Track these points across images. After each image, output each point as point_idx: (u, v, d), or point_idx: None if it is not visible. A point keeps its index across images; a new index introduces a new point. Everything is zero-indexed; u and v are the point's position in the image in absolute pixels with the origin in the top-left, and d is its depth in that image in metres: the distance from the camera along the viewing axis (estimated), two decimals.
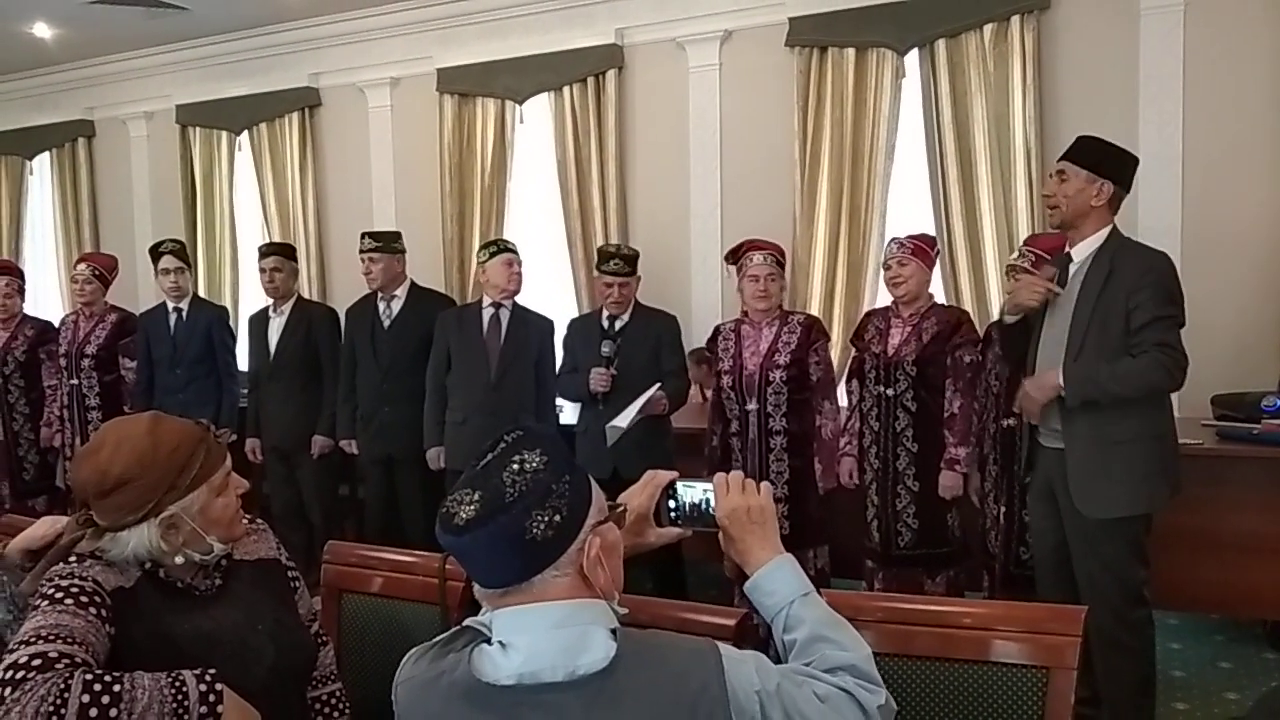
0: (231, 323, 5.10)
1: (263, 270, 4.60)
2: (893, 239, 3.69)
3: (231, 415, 4.67)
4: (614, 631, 1.18)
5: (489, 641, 1.20)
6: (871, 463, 3.64)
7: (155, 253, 4.81)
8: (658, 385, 3.73)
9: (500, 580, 1.18)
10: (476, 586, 1.23)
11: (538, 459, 1.17)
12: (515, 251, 4.11)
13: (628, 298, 3.96)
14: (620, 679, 1.14)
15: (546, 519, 1.14)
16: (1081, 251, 2.86)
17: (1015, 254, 3.58)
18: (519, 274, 4.09)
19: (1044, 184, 2.99)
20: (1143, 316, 2.70)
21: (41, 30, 5.99)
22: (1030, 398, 2.85)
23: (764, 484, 1.42)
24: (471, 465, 1.21)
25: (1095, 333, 2.76)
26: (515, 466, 1.16)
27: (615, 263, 3.91)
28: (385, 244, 4.33)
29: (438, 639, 1.26)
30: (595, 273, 4.04)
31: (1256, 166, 4.16)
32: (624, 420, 3.60)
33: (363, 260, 4.34)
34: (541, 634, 1.15)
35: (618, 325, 3.95)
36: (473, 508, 1.15)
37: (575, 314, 5.32)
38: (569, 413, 4.53)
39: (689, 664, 1.18)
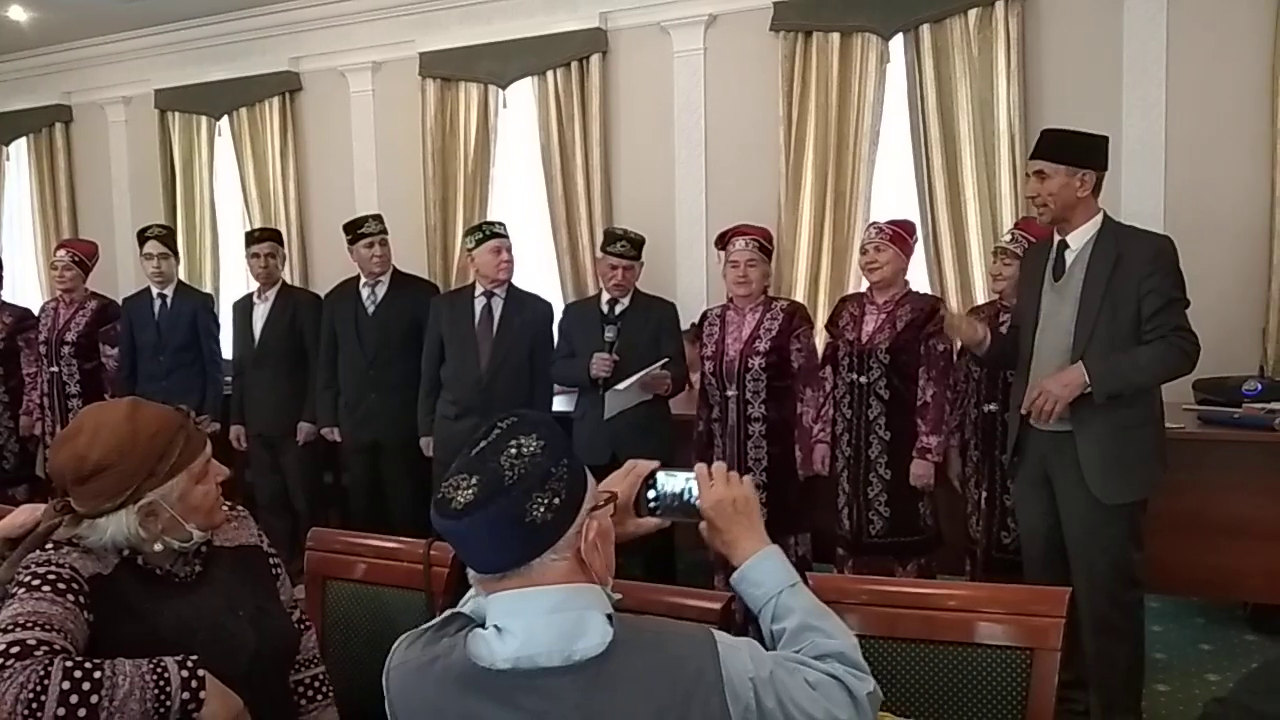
0: (214, 310, 5.05)
1: (256, 255, 4.55)
2: (871, 223, 3.69)
3: (215, 403, 4.64)
4: (609, 617, 1.18)
5: (483, 626, 1.20)
6: (843, 450, 3.63)
7: (141, 237, 4.77)
8: (664, 361, 3.69)
9: (499, 564, 1.17)
10: (471, 572, 1.22)
11: (535, 443, 1.18)
12: (504, 235, 4.02)
13: (630, 282, 3.90)
14: (617, 664, 1.15)
15: (546, 502, 1.15)
16: (1079, 239, 2.84)
17: (1007, 236, 3.58)
18: (508, 261, 4.00)
19: (1027, 186, 2.97)
20: (1157, 301, 2.70)
21: (16, 13, 5.90)
22: (1052, 395, 2.72)
23: (745, 477, 1.42)
24: (464, 453, 1.21)
25: (1106, 319, 2.75)
26: (513, 450, 1.17)
27: (622, 245, 3.86)
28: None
29: (430, 624, 1.25)
30: (599, 254, 3.98)
31: (1239, 152, 4.17)
32: (623, 385, 3.57)
33: (371, 244, 4.28)
34: (538, 618, 1.15)
35: (617, 310, 3.90)
36: (470, 492, 1.15)
37: (560, 299, 5.32)
38: (561, 400, 4.52)
39: (685, 650, 1.18)
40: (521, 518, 1.14)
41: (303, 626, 1.82)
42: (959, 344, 3.29)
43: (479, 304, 4.03)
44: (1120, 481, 2.78)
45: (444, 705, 1.16)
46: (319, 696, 1.79)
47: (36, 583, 1.43)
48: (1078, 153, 2.81)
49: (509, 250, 4.01)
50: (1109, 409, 2.74)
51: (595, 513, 1.23)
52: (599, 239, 5.08)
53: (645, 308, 3.94)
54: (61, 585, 1.44)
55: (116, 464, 1.49)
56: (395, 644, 1.26)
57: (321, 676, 1.81)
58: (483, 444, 1.20)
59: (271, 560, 1.77)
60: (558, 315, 4.19)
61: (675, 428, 4.00)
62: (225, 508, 1.69)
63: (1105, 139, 2.89)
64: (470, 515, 1.13)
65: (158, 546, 1.54)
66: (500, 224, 4.09)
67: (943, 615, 1.70)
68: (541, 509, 1.14)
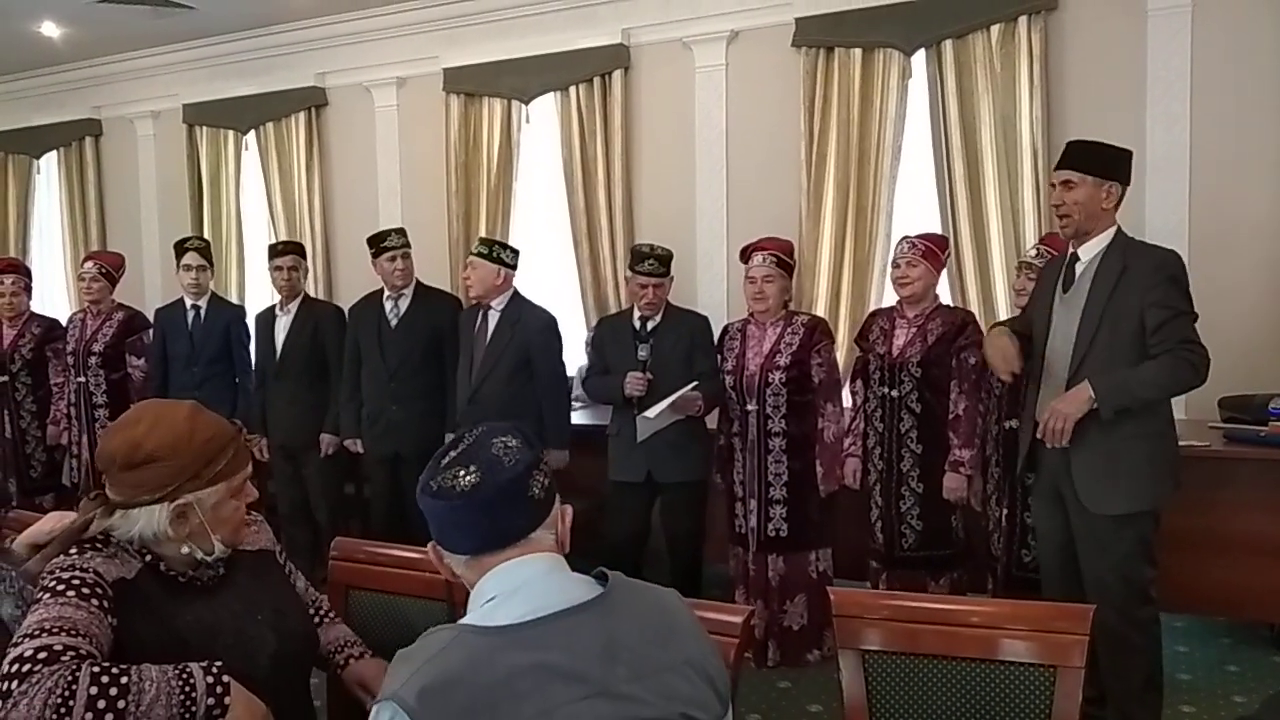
0: (247, 322, 5.09)
1: (279, 268, 4.59)
2: (904, 237, 3.66)
3: (246, 414, 4.68)
4: (599, 574, 1.33)
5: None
6: (875, 464, 3.64)
7: (180, 248, 4.82)
8: (694, 384, 3.70)
9: (504, 536, 1.29)
10: (462, 558, 1.31)
11: (515, 440, 1.32)
12: (477, 254, 4.08)
13: (661, 299, 3.90)
14: (617, 599, 1.29)
15: (540, 481, 1.31)
16: (1089, 250, 2.86)
17: (1032, 251, 3.56)
18: (473, 278, 4.07)
19: (1051, 195, 2.96)
20: (1162, 314, 2.69)
21: (49, 29, 6.00)
22: (1062, 415, 2.74)
23: None
24: (437, 461, 1.31)
25: (1106, 331, 2.75)
26: (500, 444, 1.30)
27: (650, 263, 3.85)
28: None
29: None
30: (628, 273, 3.98)
31: (1264, 167, 4.15)
32: (653, 412, 3.59)
33: (393, 258, 4.33)
34: (540, 578, 1.28)
35: (649, 326, 3.90)
36: (473, 476, 1.27)
37: (582, 314, 5.34)
38: (584, 415, 4.52)
39: (664, 593, 1.38)
40: (525, 491, 1.28)
41: (330, 619, 1.91)
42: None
43: (479, 317, 4.10)
44: (1109, 492, 2.77)
45: (478, 677, 1.17)
46: (324, 621, 1.88)
47: (61, 588, 1.45)
48: (1105, 164, 2.82)
49: (473, 267, 4.08)
50: (1100, 420, 2.74)
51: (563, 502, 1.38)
52: (621, 252, 5.11)
53: (677, 323, 3.93)
54: (86, 590, 1.46)
55: (167, 458, 1.53)
56: (377, 707, 1.20)
57: (324, 602, 1.93)
58: (461, 447, 1.32)
59: (285, 561, 1.82)
60: (568, 324, 4.20)
61: (711, 443, 3.96)
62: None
63: (1130, 154, 2.89)
64: (479, 493, 1.26)
65: (183, 549, 1.56)
66: (481, 245, 4.15)
67: (965, 632, 1.69)
68: (538, 487, 1.30)
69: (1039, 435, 2.83)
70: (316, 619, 1.88)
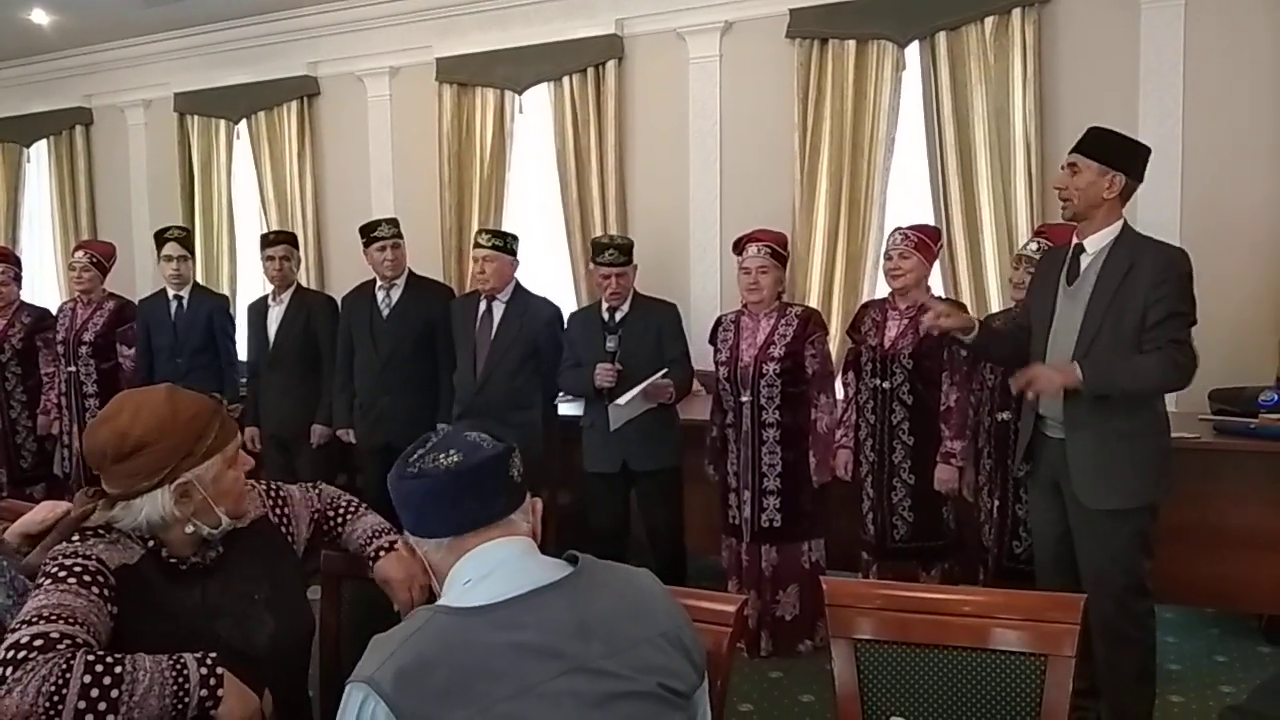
0: (230, 311, 5.08)
1: (271, 258, 4.58)
2: (896, 229, 3.64)
3: (233, 403, 4.67)
4: (570, 556, 1.36)
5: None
6: (867, 455, 3.65)
7: (160, 238, 4.80)
8: (664, 371, 3.71)
9: (486, 514, 1.32)
10: (441, 542, 1.32)
11: (487, 435, 1.36)
12: (492, 248, 4.03)
13: (626, 288, 3.92)
14: (589, 578, 1.32)
15: (518, 466, 1.36)
16: (1096, 243, 2.84)
17: (1034, 245, 3.55)
18: (488, 270, 4.02)
19: (1056, 177, 2.96)
20: (1160, 312, 2.70)
21: (39, 17, 5.96)
22: (1048, 375, 2.75)
23: None
24: (406, 456, 1.36)
25: (1110, 326, 2.75)
26: (474, 435, 1.35)
27: (611, 253, 3.86)
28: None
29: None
30: (591, 265, 4.01)
31: (1256, 160, 4.16)
32: (624, 399, 3.59)
33: (383, 248, 4.32)
34: (515, 559, 1.31)
35: (618, 316, 3.91)
36: (455, 457, 1.31)
37: (574, 305, 5.33)
38: (568, 406, 4.52)
39: (635, 570, 1.41)
40: (506, 471, 1.33)
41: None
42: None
43: (481, 308, 4.09)
44: (1105, 488, 2.78)
45: (453, 658, 1.18)
46: (349, 517, 1.89)
47: (63, 574, 1.45)
48: (1112, 153, 2.81)
49: (490, 260, 4.02)
50: (1102, 416, 2.75)
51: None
52: None
53: (645, 312, 3.94)
54: (87, 577, 1.46)
55: (156, 442, 1.52)
56: (349, 688, 1.21)
57: (343, 499, 1.94)
58: (434, 440, 1.36)
59: (277, 515, 1.80)
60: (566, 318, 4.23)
61: (685, 433, 3.99)
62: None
63: (1146, 149, 2.86)
64: (464, 467, 1.30)
65: (189, 529, 1.56)
66: (486, 235, 4.12)
67: (957, 621, 1.70)
68: (516, 471, 1.35)
69: (1011, 381, 2.85)
70: (341, 519, 1.89)
